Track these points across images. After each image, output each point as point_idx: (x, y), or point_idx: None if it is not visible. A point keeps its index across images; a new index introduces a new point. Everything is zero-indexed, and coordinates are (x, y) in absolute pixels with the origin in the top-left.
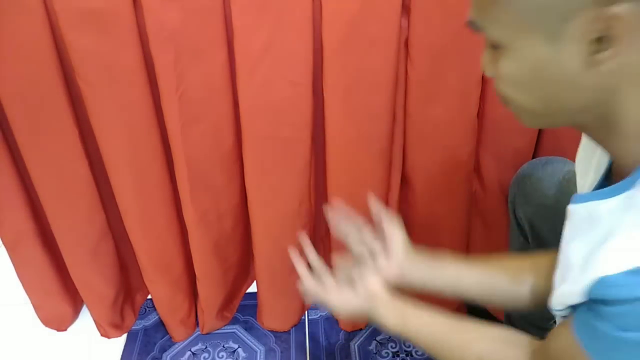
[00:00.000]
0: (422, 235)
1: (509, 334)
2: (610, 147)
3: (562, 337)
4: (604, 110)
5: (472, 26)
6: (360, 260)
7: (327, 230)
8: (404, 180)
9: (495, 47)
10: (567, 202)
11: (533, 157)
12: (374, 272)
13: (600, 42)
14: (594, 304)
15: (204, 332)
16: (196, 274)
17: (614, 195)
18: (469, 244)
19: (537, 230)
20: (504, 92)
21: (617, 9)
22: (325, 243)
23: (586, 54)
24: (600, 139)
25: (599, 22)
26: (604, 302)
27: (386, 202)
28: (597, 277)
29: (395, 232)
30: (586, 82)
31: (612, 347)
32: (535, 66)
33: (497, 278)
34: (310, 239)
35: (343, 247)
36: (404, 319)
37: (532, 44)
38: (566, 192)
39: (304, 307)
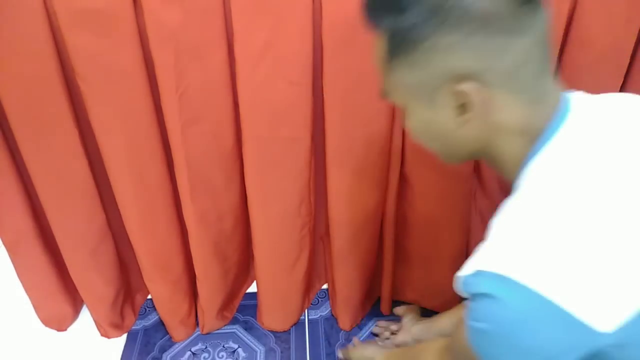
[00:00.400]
0: (422, 235)
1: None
2: (503, 175)
3: (460, 332)
4: (488, 152)
5: (382, 93)
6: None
7: (327, 230)
8: (404, 180)
9: (401, 109)
10: None
11: None
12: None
13: (462, 107)
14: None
15: (204, 332)
16: (196, 274)
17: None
18: (468, 244)
19: None
20: (417, 141)
21: (464, 86)
22: (325, 242)
23: (454, 116)
24: (496, 170)
25: (455, 95)
26: (467, 298)
27: (386, 202)
28: (459, 277)
29: (408, 315)
30: (464, 135)
31: (475, 337)
32: (426, 124)
33: None
34: (310, 238)
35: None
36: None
37: (419, 108)
38: None
39: (303, 307)
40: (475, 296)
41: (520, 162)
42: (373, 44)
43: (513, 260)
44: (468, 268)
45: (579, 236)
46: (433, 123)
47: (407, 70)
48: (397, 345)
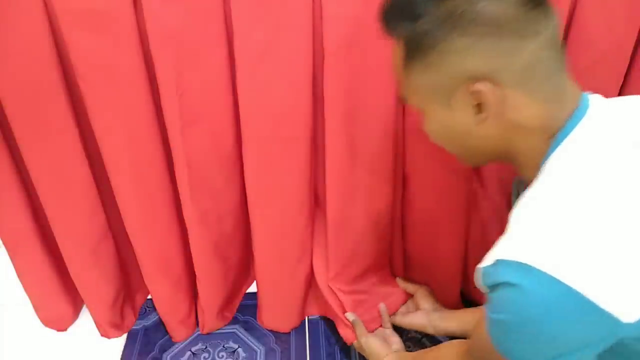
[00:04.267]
0: (422, 235)
1: (453, 340)
2: (524, 175)
3: (480, 331)
4: (508, 150)
5: (401, 99)
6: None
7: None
8: (404, 180)
9: (419, 112)
10: None
11: None
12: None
13: (478, 107)
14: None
15: (204, 332)
16: (196, 274)
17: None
18: (468, 244)
19: None
20: (436, 143)
21: (478, 86)
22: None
23: (472, 115)
24: (517, 169)
25: (471, 95)
26: (485, 290)
27: (386, 201)
28: (478, 269)
29: (423, 294)
30: (483, 134)
31: (497, 330)
32: (444, 125)
33: None
34: (310, 238)
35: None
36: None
37: (436, 110)
38: None
39: (304, 307)
40: (496, 287)
41: (540, 159)
42: (376, 45)
43: (535, 249)
44: (488, 259)
45: (601, 226)
46: (451, 125)
47: (424, 74)
48: (413, 328)
